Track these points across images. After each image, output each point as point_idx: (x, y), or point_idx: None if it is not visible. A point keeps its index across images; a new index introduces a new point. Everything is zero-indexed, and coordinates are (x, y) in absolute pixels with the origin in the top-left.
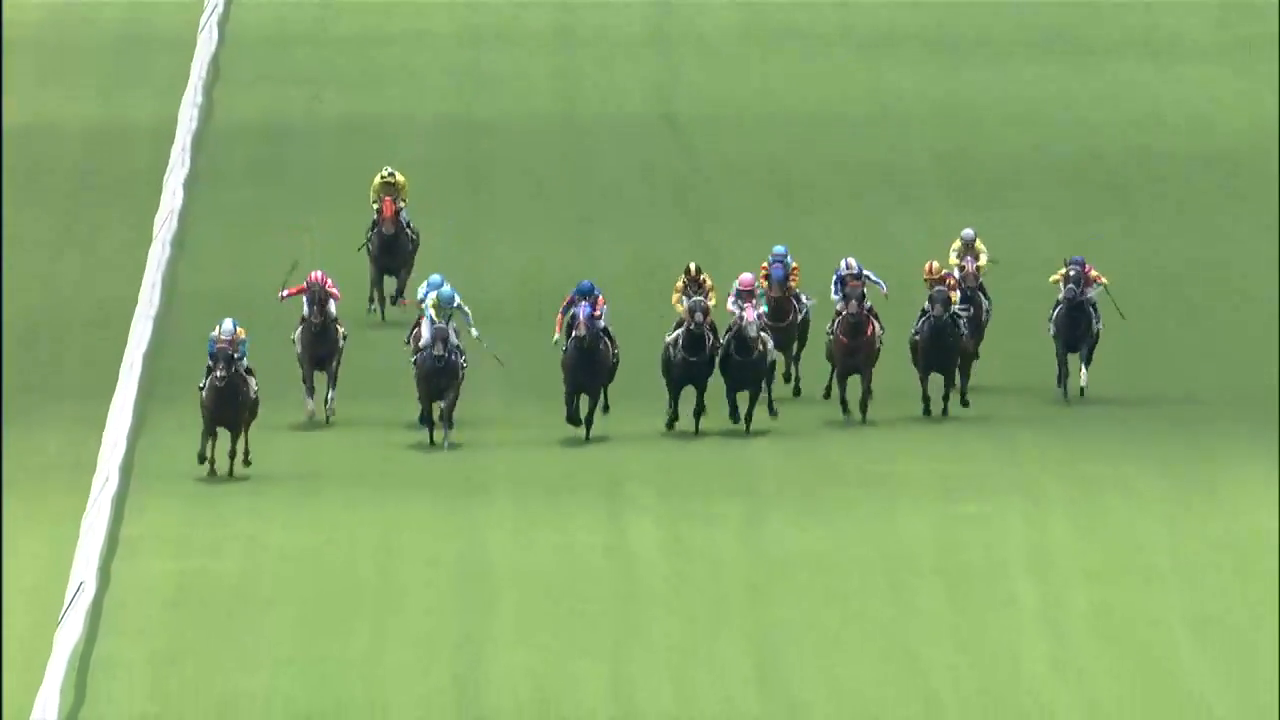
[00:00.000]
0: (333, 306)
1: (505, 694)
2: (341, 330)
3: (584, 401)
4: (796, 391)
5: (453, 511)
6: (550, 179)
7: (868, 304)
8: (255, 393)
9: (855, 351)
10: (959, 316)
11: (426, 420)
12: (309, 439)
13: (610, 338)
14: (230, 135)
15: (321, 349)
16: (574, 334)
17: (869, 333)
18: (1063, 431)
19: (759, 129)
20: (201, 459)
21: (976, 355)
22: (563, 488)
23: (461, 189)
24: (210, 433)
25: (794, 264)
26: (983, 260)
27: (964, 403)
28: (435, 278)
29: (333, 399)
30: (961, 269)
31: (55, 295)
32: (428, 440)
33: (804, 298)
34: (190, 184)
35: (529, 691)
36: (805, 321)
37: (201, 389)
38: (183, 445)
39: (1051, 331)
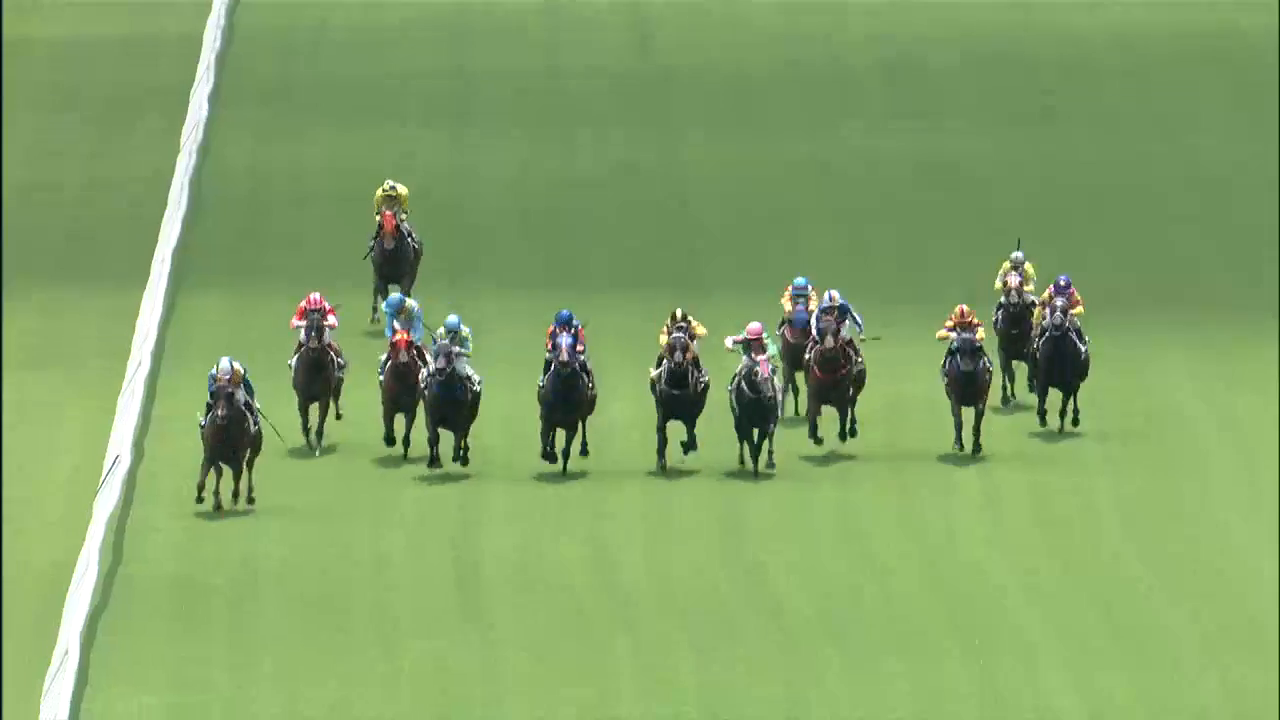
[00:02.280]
0: (329, 334)
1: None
2: (340, 361)
3: (561, 437)
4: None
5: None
6: (532, 87)
7: (845, 336)
8: (257, 428)
9: (833, 386)
10: (984, 358)
11: (432, 445)
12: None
13: (588, 372)
14: (250, 53)
15: (316, 381)
16: (554, 365)
17: (844, 370)
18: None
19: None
20: (200, 490)
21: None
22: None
23: (449, 101)
24: (211, 465)
25: (813, 291)
26: (1029, 276)
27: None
28: (394, 297)
29: (322, 432)
30: (1006, 286)
31: (92, 198)
32: (430, 452)
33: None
34: (214, 98)
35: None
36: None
37: (202, 426)
38: (207, 333)
39: (1036, 358)
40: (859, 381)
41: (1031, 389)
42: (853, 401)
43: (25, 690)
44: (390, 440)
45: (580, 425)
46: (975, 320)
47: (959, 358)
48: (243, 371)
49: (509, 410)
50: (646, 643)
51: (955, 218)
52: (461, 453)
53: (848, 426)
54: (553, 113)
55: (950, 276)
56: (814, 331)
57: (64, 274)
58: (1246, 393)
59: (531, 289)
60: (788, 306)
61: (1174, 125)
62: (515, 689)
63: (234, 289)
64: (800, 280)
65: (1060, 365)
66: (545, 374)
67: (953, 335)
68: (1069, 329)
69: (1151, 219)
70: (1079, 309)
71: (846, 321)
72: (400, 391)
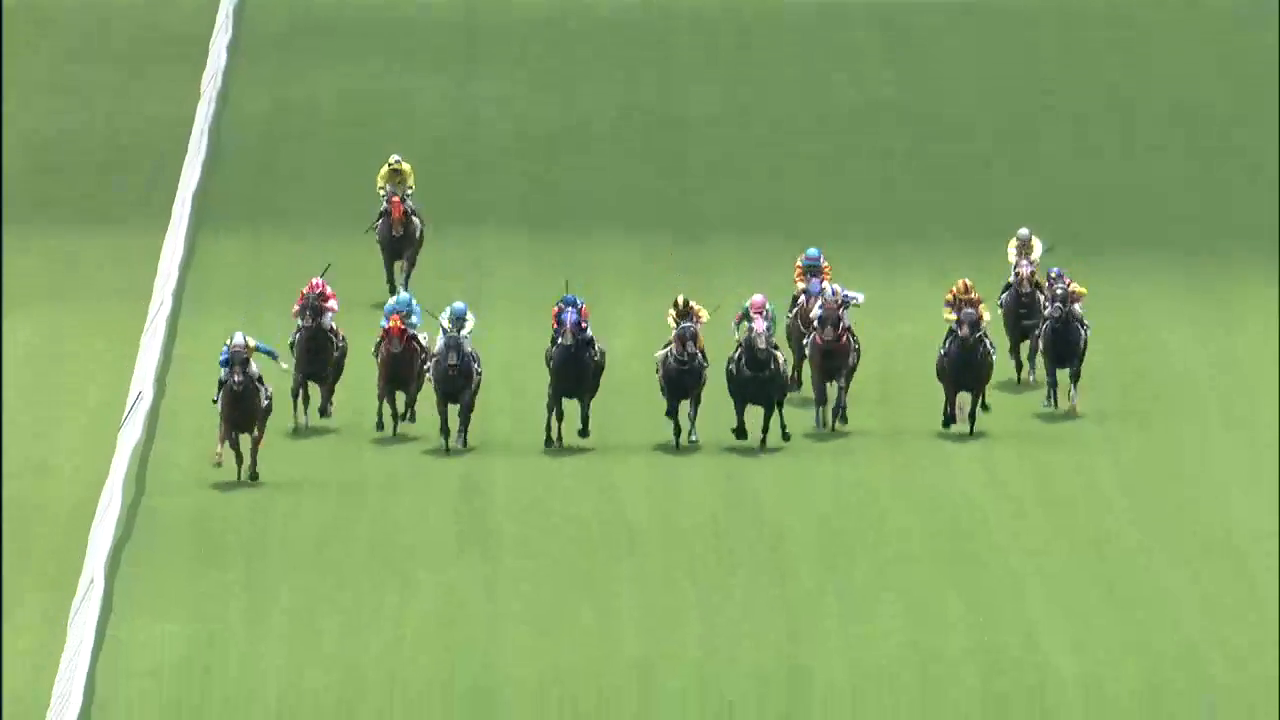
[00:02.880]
0: (329, 317)
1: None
2: (339, 341)
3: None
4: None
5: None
6: (536, 34)
7: (846, 324)
8: (268, 401)
9: (835, 371)
10: (986, 337)
11: (443, 426)
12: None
13: (593, 345)
14: (266, 4)
15: (315, 361)
16: (559, 339)
17: (844, 346)
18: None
19: None
20: (216, 462)
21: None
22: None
23: (456, 45)
24: (227, 437)
25: (826, 265)
26: (1036, 255)
27: (976, 415)
28: (405, 295)
29: (323, 408)
30: (1018, 274)
31: (116, 144)
32: (443, 441)
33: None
34: (233, 47)
35: None
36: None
37: (216, 400)
38: (226, 274)
39: (1040, 348)
40: (854, 367)
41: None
42: (846, 387)
43: (52, 617)
44: (381, 426)
45: (586, 401)
46: (976, 295)
47: (957, 329)
48: (253, 345)
49: (509, 356)
50: (649, 574)
51: (941, 161)
52: (463, 434)
53: (842, 409)
54: (556, 55)
55: (939, 219)
56: (815, 320)
57: (89, 217)
58: (1235, 327)
59: (532, 227)
60: (800, 285)
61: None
62: (519, 618)
63: (252, 231)
64: (813, 251)
65: (1066, 353)
66: (551, 347)
67: (956, 315)
68: (1070, 318)
69: (1130, 149)
70: (1081, 291)
71: (848, 309)
72: (396, 379)
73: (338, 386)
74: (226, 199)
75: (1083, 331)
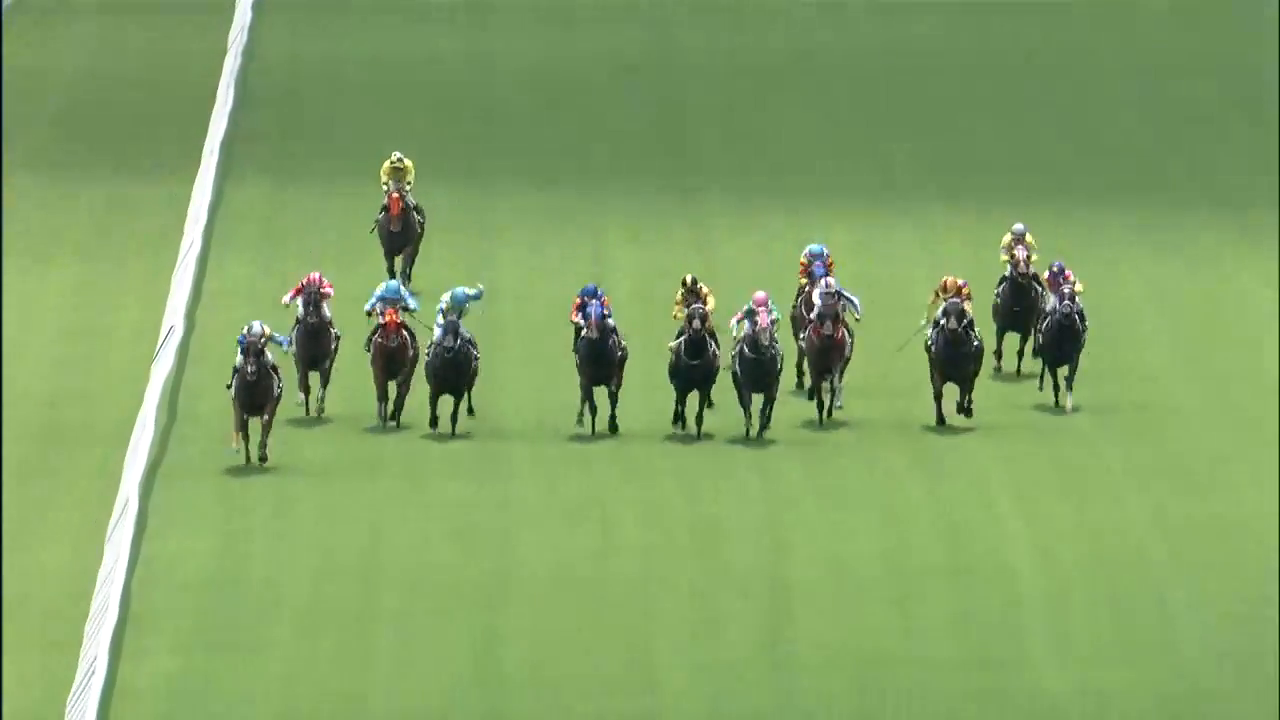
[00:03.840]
0: (327, 308)
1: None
2: (335, 332)
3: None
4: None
5: None
6: None
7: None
8: (280, 389)
9: (831, 366)
10: (972, 328)
11: (433, 414)
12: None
13: (617, 334)
14: None
15: (316, 349)
16: (584, 333)
17: (840, 341)
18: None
19: None
20: (235, 448)
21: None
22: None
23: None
24: (243, 423)
25: (830, 258)
26: (1033, 255)
27: (968, 413)
28: (393, 283)
29: (323, 397)
30: (1013, 259)
31: (148, 96)
32: (433, 427)
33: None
34: (257, 4)
35: None
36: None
37: (230, 386)
38: (254, 217)
39: (1038, 344)
40: (848, 359)
41: (1024, 357)
42: (840, 379)
43: (90, 536)
44: (384, 417)
45: (614, 393)
46: (965, 291)
47: (945, 320)
48: (271, 333)
49: (520, 293)
50: (641, 476)
51: (919, 106)
52: (454, 419)
53: (837, 402)
54: (563, 11)
55: (919, 165)
56: (814, 313)
57: (124, 164)
58: (1179, 266)
59: (539, 180)
60: (803, 280)
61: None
62: (526, 522)
63: (275, 177)
64: (816, 247)
65: (1067, 346)
66: (577, 340)
67: (940, 307)
68: (1075, 313)
69: (1094, 102)
70: (1080, 288)
71: (844, 305)
72: (390, 370)
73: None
74: (252, 147)
75: (1083, 329)
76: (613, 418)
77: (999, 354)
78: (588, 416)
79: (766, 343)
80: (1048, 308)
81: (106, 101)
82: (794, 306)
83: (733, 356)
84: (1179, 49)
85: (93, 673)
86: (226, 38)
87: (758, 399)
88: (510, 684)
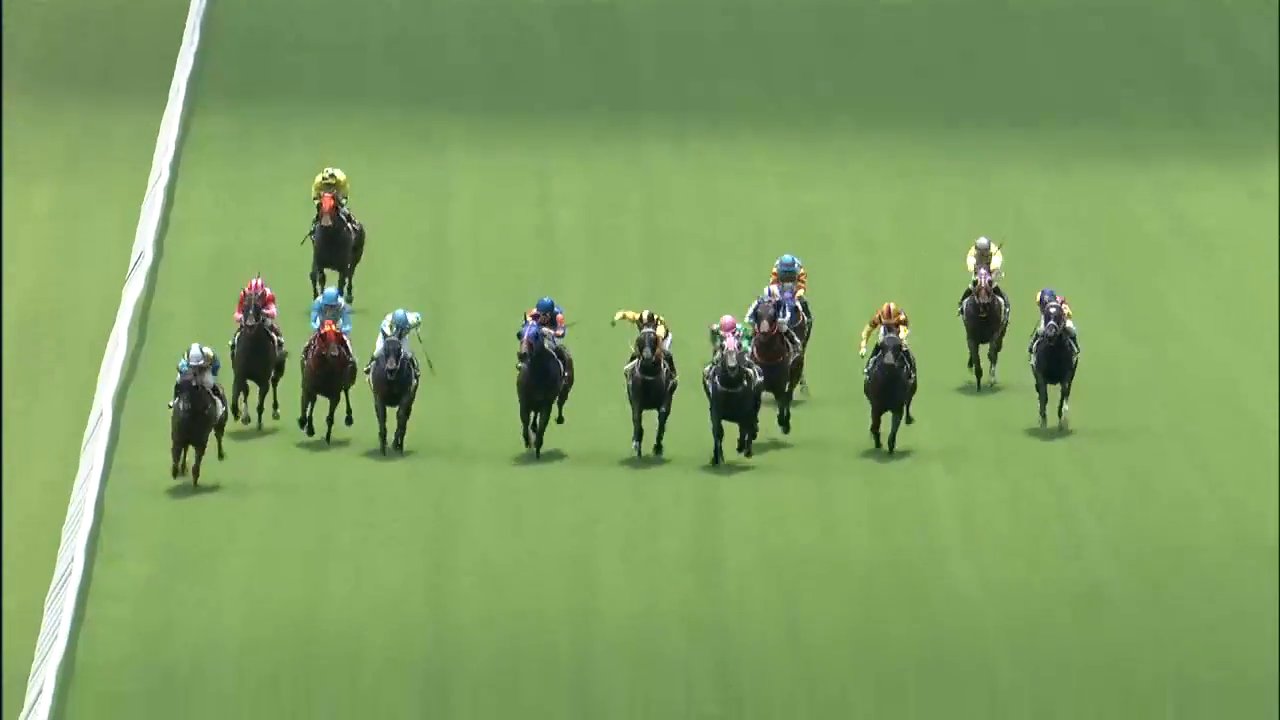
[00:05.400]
0: (269, 317)
1: None
2: (280, 340)
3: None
4: (786, 429)
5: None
6: None
7: (783, 325)
8: (224, 410)
9: (771, 371)
10: (909, 359)
11: (381, 429)
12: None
13: (563, 358)
14: None
15: (256, 359)
16: (519, 351)
17: (780, 358)
18: None
19: None
20: (175, 471)
21: (994, 361)
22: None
23: None
24: (180, 451)
25: (802, 270)
26: (995, 264)
27: (908, 420)
28: (330, 291)
29: (262, 406)
30: (975, 283)
31: (118, 33)
32: (379, 445)
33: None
34: None
35: None
36: (799, 362)
37: (170, 406)
38: (221, 149)
39: (1032, 364)
40: (795, 372)
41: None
42: (789, 396)
43: (66, 447)
44: (304, 424)
45: (556, 405)
46: (902, 318)
47: (882, 355)
48: (213, 355)
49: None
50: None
51: (851, 37)
52: (399, 437)
53: (785, 414)
54: None
55: (845, 101)
56: (748, 321)
57: (96, 98)
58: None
59: (488, 113)
60: (774, 290)
61: None
62: (476, 435)
63: (239, 112)
64: (788, 258)
65: (1058, 370)
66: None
67: (879, 334)
68: (1065, 336)
69: (1000, 32)
70: (1068, 309)
71: (785, 314)
72: (326, 381)
73: (277, 393)
74: (217, 83)
75: (1075, 349)
76: (558, 417)
77: (978, 371)
78: (532, 436)
79: (734, 365)
80: (1039, 329)
81: (77, 39)
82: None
83: (704, 380)
84: None
85: (69, 574)
86: None
87: (732, 426)
88: (459, 584)
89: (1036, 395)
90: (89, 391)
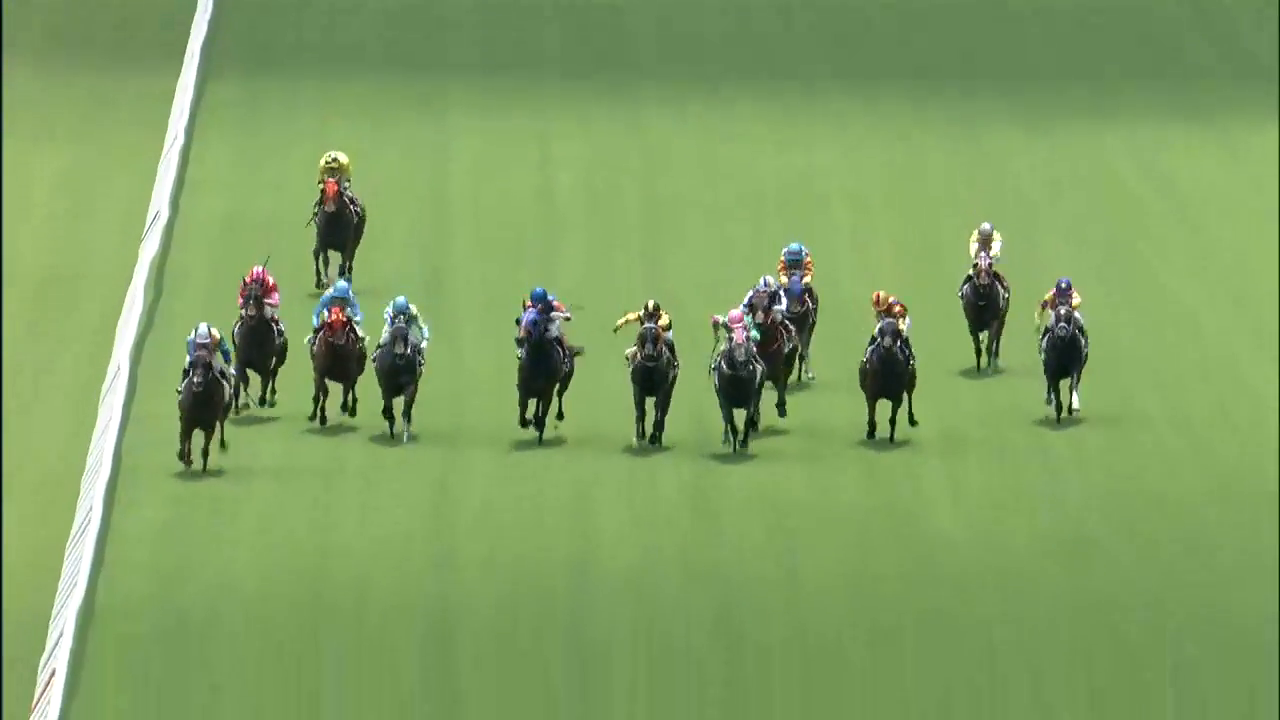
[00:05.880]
0: (269, 307)
1: None
2: (280, 328)
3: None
4: (783, 414)
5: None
6: None
7: (778, 316)
8: (231, 393)
9: (765, 360)
10: (907, 345)
11: (388, 413)
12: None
13: (562, 346)
14: None
15: (255, 348)
16: (517, 337)
17: (775, 345)
18: None
19: None
20: (183, 456)
21: (996, 347)
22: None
23: None
24: (189, 431)
25: (809, 257)
26: (996, 250)
27: (911, 422)
28: (342, 284)
29: (273, 394)
30: (975, 266)
31: (132, 4)
32: (388, 432)
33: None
34: None
35: None
36: (794, 351)
37: (180, 392)
38: (230, 112)
39: (1043, 356)
40: (789, 360)
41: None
42: (785, 384)
43: (85, 398)
44: (319, 417)
45: (557, 397)
46: (899, 308)
47: (880, 338)
48: (219, 337)
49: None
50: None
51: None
52: (407, 422)
53: (782, 399)
54: None
55: (837, 65)
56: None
57: (110, 63)
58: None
59: (489, 76)
60: (783, 278)
61: None
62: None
63: (249, 77)
64: (795, 246)
65: (1065, 362)
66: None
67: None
68: (1075, 329)
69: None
70: (1078, 302)
71: (778, 305)
72: (337, 366)
73: (280, 372)
74: (229, 48)
75: (1084, 342)
76: (559, 413)
77: (978, 352)
78: (536, 425)
79: (743, 358)
80: (1049, 323)
81: (93, 7)
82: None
83: (711, 370)
84: None
85: (89, 521)
86: None
87: (740, 413)
88: (461, 532)
89: (1046, 388)
90: (107, 345)
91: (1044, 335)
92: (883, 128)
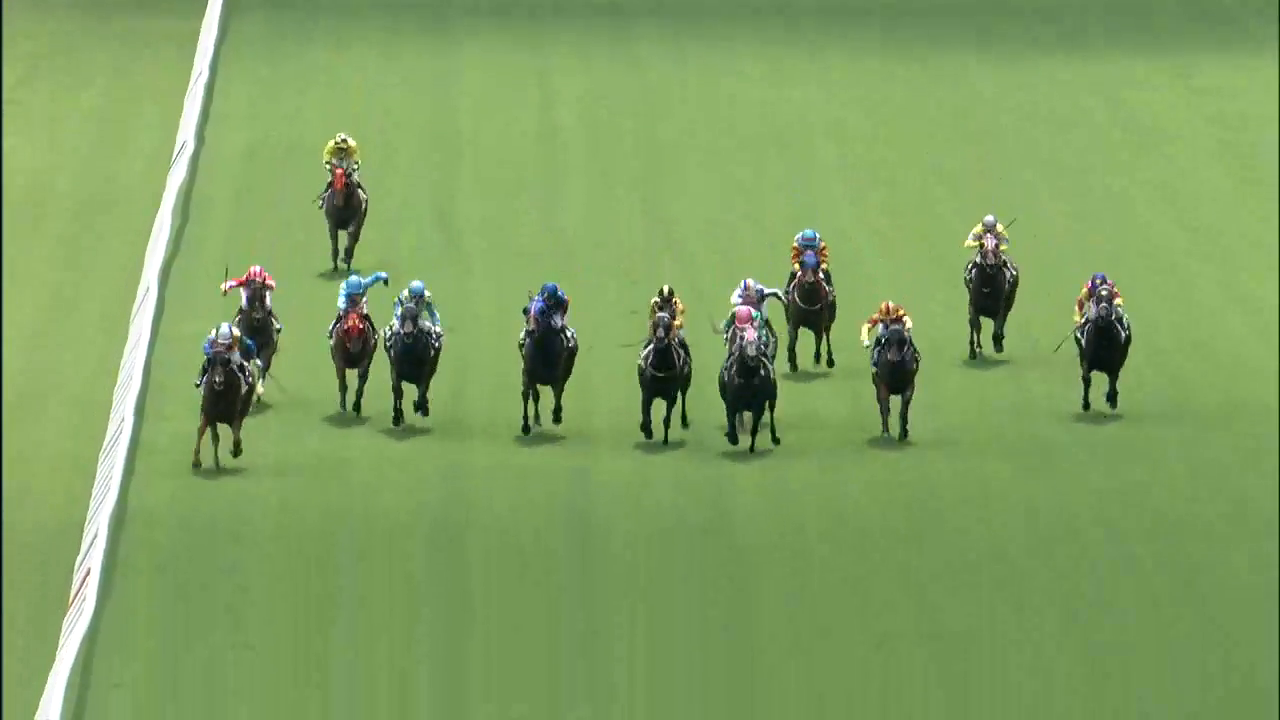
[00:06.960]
0: (269, 300)
1: None
2: (276, 324)
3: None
4: (830, 363)
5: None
6: None
7: (761, 321)
8: (249, 388)
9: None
10: (912, 349)
11: (396, 407)
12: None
13: (566, 337)
14: None
15: (257, 342)
16: (527, 328)
17: (820, 303)
18: None
19: None
20: (197, 454)
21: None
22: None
23: None
24: (208, 426)
25: (823, 244)
26: (1003, 245)
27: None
28: (354, 279)
29: (264, 383)
30: (982, 247)
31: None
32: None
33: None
34: None
35: None
36: (833, 303)
37: (198, 385)
38: (252, 52)
39: (1080, 348)
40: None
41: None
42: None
43: (116, 317)
44: (346, 405)
45: (559, 388)
46: (902, 313)
47: (887, 349)
48: (239, 335)
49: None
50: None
51: None
52: (423, 404)
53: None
54: None
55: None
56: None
57: (140, 6)
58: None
59: (496, 15)
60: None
61: None
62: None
63: (270, 16)
64: (809, 232)
65: (1108, 353)
66: (525, 339)
67: (879, 329)
68: (1114, 319)
69: None
70: (1119, 300)
71: (765, 305)
72: (353, 359)
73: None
74: (249, 15)
75: (1123, 332)
76: (557, 411)
77: (972, 341)
78: (531, 407)
79: (753, 355)
80: (1089, 315)
81: None
82: (786, 293)
83: (723, 370)
84: None
85: (120, 432)
86: None
87: (749, 414)
88: (469, 444)
89: (1081, 382)
90: (137, 268)
91: (1081, 326)
92: (860, 63)
